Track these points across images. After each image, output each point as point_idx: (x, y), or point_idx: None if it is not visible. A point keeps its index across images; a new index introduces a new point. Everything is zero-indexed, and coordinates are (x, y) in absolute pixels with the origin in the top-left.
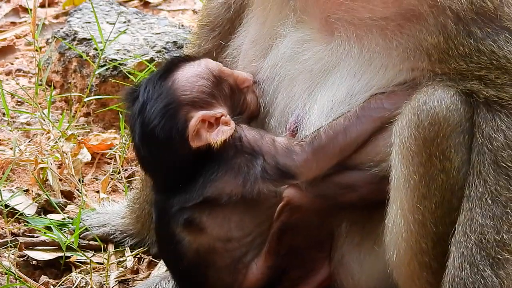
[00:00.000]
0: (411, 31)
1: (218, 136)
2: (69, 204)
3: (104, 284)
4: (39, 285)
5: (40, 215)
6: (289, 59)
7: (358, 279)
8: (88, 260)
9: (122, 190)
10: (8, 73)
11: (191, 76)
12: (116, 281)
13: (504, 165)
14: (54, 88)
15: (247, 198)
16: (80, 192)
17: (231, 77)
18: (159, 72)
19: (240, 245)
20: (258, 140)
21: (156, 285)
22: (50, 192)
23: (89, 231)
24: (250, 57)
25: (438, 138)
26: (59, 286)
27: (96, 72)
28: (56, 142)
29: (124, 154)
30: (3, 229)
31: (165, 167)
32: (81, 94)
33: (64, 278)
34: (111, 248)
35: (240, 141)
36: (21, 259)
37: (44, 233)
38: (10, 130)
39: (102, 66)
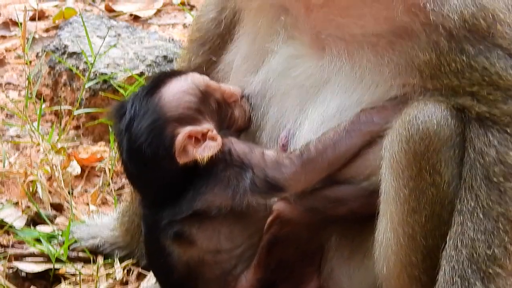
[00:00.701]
0: (402, 47)
1: (204, 152)
2: (59, 216)
3: None
4: None
5: (30, 227)
6: (280, 75)
7: None
8: (77, 272)
9: (112, 203)
10: None
11: (177, 92)
12: None
13: (496, 180)
14: (44, 101)
15: (236, 211)
16: (70, 204)
17: (218, 91)
18: (145, 88)
19: (229, 257)
20: (247, 153)
21: None
22: (39, 204)
23: (78, 243)
24: (242, 73)
25: (429, 152)
26: None
27: (86, 86)
28: (46, 154)
29: (113, 167)
30: None
31: (153, 183)
32: (71, 108)
33: None
34: (100, 260)
35: (229, 154)
36: (11, 270)
37: (34, 245)
38: (0, 143)
39: (92, 80)
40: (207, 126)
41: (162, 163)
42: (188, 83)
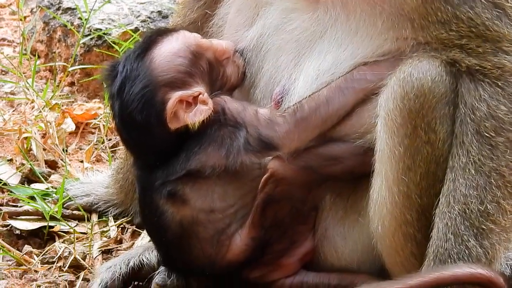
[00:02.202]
0: None
1: (196, 116)
2: (53, 173)
3: (88, 253)
4: (22, 255)
5: (24, 185)
6: (275, 29)
7: (342, 252)
8: (71, 230)
9: (106, 160)
10: None
11: (168, 55)
12: (99, 250)
13: (487, 135)
14: (39, 57)
15: (230, 170)
16: (64, 162)
17: (210, 50)
18: (137, 50)
19: (223, 216)
20: (241, 112)
21: (139, 255)
22: (34, 161)
23: (72, 200)
24: (235, 27)
25: (424, 109)
26: (42, 255)
27: (81, 42)
28: (40, 111)
29: (108, 124)
30: None
31: (146, 146)
32: (65, 64)
33: (47, 248)
34: (94, 217)
35: (223, 113)
36: (5, 228)
37: (28, 202)
38: None
39: (86, 36)
40: (198, 89)
41: (154, 129)
42: (179, 43)
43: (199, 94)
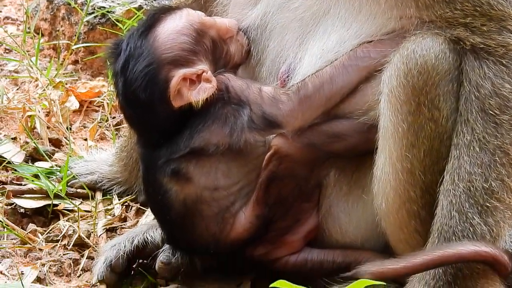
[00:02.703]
0: None
1: (199, 94)
2: (57, 152)
3: (92, 232)
4: (27, 233)
5: (28, 163)
6: (279, 7)
7: (346, 229)
8: (75, 208)
9: (110, 138)
10: None
11: (171, 33)
12: (103, 229)
13: (491, 112)
14: (42, 35)
15: (234, 148)
16: (68, 140)
17: (213, 28)
18: (140, 28)
19: (227, 194)
20: (244, 90)
21: (143, 233)
22: (38, 140)
23: (76, 179)
24: (240, 5)
25: (427, 86)
26: (46, 234)
27: (84, 20)
28: (44, 89)
29: (112, 102)
30: None
31: (149, 124)
32: (69, 42)
33: (51, 226)
34: (98, 196)
35: (227, 91)
36: (9, 207)
37: (32, 181)
38: None
39: (90, 14)
40: (202, 67)
41: (157, 107)
42: (183, 21)
43: (203, 72)
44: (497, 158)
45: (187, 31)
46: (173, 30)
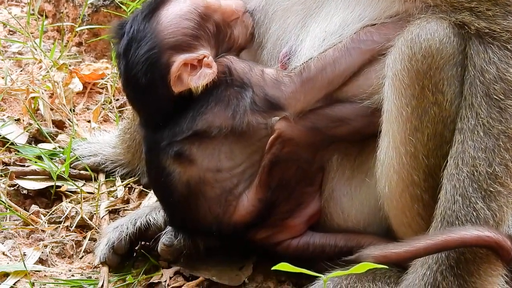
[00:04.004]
0: None
1: (199, 80)
2: (60, 133)
3: (94, 213)
4: (30, 214)
5: (31, 145)
6: None
7: (348, 213)
8: (78, 190)
9: (114, 120)
10: (0, 2)
11: (174, 17)
12: (106, 210)
13: (496, 97)
14: (46, 17)
15: (237, 130)
16: (71, 122)
17: (218, 11)
18: (144, 11)
19: (230, 175)
20: (247, 72)
21: (146, 215)
22: (41, 121)
23: (79, 160)
24: None
25: (431, 70)
26: (49, 215)
27: (88, 2)
28: (48, 71)
29: (115, 84)
30: None
31: (151, 107)
32: (73, 24)
33: (54, 208)
34: (101, 177)
35: (229, 73)
36: (12, 188)
37: (35, 162)
38: (2, 59)
39: None
40: (203, 52)
41: (158, 91)
42: (187, 5)
43: (204, 57)
44: (501, 143)
45: (190, 16)
46: (176, 14)
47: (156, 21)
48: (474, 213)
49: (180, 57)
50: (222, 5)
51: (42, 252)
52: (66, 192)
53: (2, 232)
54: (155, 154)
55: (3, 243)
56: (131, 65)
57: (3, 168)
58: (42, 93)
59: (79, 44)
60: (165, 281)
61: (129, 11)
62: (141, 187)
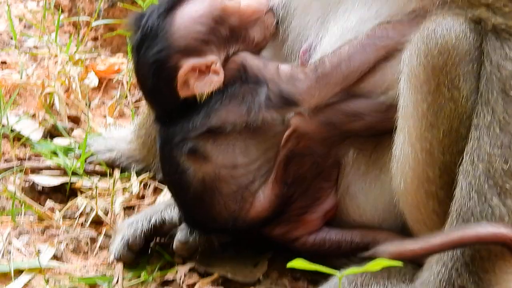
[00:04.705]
0: None
1: (205, 87)
2: (76, 128)
3: (109, 209)
4: (44, 210)
5: (46, 140)
6: None
7: (363, 208)
8: (93, 186)
9: (129, 115)
10: None
11: (187, 20)
12: (121, 206)
13: None
14: (62, 12)
15: (251, 127)
16: (87, 117)
17: (236, 14)
18: (161, 8)
19: (246, 172)
20: (262, 68)
21: (161, 211)
22: (56, 116)
23: (95, 156)
24: None
25: (447, 66)
26: (64, 211)
27: None
28: (64, 66)
29: (131, 79)
30: (9, 154)
31: (163, 104)
32: (89, 18)
33: (69, 203)
34: (117, 173)
35: (244, 70)
36: (27, 184)
37: (50, 157)
38: (18, 54)
39: None
40: (212, 58)
41: (166, 92)
42: (204, 7)
43: (212, 63)
44: None
45: (204, 20)
46: (190, 16)
47: (170, 21)
48: (490, 210)
49: (188, 62)
50: (241, 6)
51: (57, 249)
52: (81, 188)
53: (16, 228)
54: (168, 149)
55: (17, 239)
56: (141, 64)
57: (18, 163)
58: (58, 88)
59: (95, 39)
60: (180, 278)
61: (145, 6)
62: (156, 183)
